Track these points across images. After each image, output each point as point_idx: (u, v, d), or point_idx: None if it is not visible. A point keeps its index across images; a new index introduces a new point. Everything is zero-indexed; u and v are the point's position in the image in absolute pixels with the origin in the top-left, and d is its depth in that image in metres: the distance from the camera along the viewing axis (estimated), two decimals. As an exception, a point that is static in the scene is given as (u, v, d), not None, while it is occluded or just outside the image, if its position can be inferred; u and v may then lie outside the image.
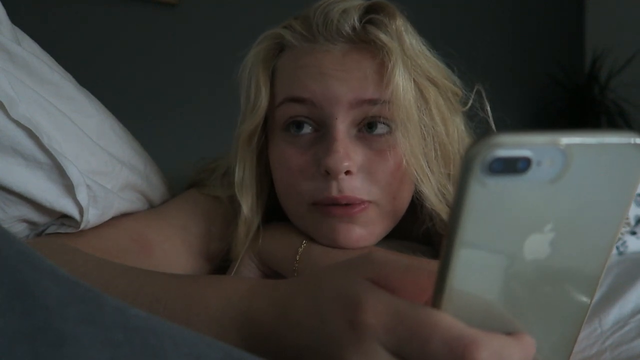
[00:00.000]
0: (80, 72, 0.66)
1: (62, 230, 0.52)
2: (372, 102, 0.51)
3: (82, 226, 0.52)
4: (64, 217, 0.52)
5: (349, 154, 0.51)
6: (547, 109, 2.72)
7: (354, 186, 0.51)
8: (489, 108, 0.58)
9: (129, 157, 0.61)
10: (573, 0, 2.98)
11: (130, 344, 0.22)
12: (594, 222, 0.24)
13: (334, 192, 0.51)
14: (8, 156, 0.46)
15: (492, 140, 0.21)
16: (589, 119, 2.72)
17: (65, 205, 0.50)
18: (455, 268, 0.24)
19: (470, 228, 0.23)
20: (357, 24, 0.53)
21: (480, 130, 0.60)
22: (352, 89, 0.51)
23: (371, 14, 0.53)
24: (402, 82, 0.51)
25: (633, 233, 0.87)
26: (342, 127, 0.51)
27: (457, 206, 0.22)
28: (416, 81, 0.53)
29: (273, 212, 0.61)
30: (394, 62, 0.51)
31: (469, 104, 0.58)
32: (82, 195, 0.50)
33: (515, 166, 0.22)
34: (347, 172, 0.51)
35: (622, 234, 0.86)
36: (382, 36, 0.51)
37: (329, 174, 0.51)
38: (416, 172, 0.53)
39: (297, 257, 0.54)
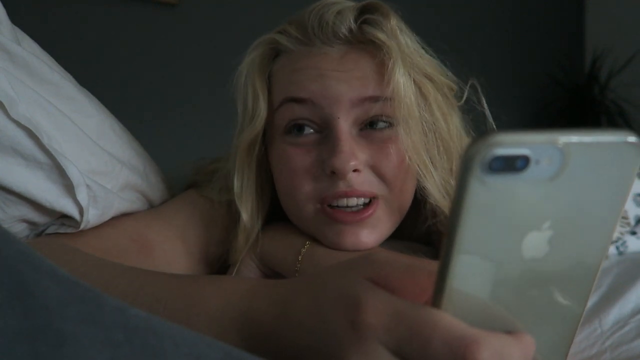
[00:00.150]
0: (80, 72, 0.66)
1: (62, 230, 0.52)
2: (374, 99, 0.51)
3: (82, 226, 0.52)
4: (64, 217, 0.52)
5: (354, 153, 0.50)
6: (547, 109, 2.72)
7: (363, 181, 0.51)
8: (484, 102, 0.58)
9: (129, 157, 0.61)
10: (573, 0, 2.98)
11: (130, 344, 0.22)
12: (591, 220, 0.24)
13: (343, 188, 0.51)
14: (8, 156, 0.46)
15: (492, 139, 0.21)
16: (589, 119, 2.72)
17: (65, 205, 0.50)
18: (455, 267, 0.24)
19: (470, 227, 0.23)
20: (353, 25, 0.53)
21: (477, 125, 0.61)
22: (353, 88, 0.51)
23: (366, 14, 0.53)
24: (402, 79, 0.51)
25: (633, 233, 0.87)
26: (345, 126, 0.51)
27: (457, 205, 0.23)
28: (414, 78, 0.53)
29: (273, 213, 0.61)
30: (394, 61, 0.51)
31: (464, 98, 0.58)
32: (82, 195, 0.50)
33: (514, 164, 0.22)
34: (355, 171, 0.51)
35: (621, 234, 0.86)
36: (381, 35, 0.52)
37: (334, 174, 0.50)
38: (419, 167, 0.53)
39: (300, 258, 0.54)
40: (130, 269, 0.43)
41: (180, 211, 0.62)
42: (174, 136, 1.62)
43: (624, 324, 0.56)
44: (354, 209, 0.52)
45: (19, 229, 0.51)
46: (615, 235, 0.85)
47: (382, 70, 0.52)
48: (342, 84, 0.51)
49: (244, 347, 0.32)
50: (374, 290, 0.27)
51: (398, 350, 0.25)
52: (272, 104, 0.56)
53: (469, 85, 0.58)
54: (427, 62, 0.56)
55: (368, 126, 0.53)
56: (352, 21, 0.53)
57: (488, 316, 0.26)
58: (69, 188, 0.49)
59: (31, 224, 0.52)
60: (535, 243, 0.24)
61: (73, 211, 0.50)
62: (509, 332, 0.26)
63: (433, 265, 0.26)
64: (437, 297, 0.25)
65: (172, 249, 0.58)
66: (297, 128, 0.53)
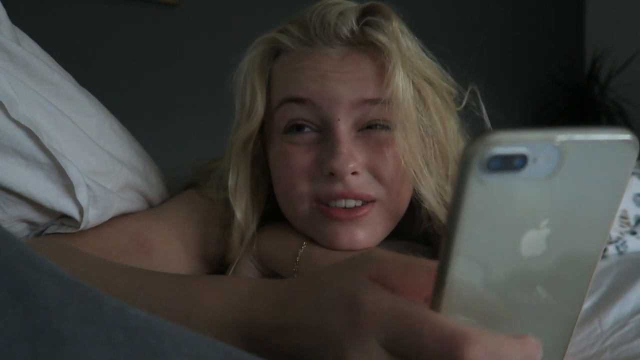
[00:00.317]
0: (80, 72, 0.66)
1: (62, 230, 0.52)
2: (373, 102, 0.51)
3: (82, 226, 0.52)
4: (64, 217, 0.52)
5: (353, 155, 0.51)
6: (547, 109, 2.72)
7: (361, 184, 0.51)
8: (484, 108, 0.58)
9: (129, 157, 0.61)
10: (573, 0, 2.98)
11: (130, 344, 0.22)
12: (588, 218, 0.24)
13: (341, 189, 0.51)
14: (8, 156, 0.46)
15: (490, 138, 0.22)
16: (589, 119, 2.72)
17: (65, 205, 0.50)
18: (455, 267, 0.24)
19: (469, 226, 0.23)
20: (355, 26, 0.53)
21: (475, 130, 0.60)
22: (354, 90, 0.51)
23: (368, 16, 0.53)
24: (401, 83, 0.51)
25: (633, 233, 0.87)
26: (345, 127, 0.51)
27: (455, 204, 0.23)
28: (414, 82, 0.53)
29: (270, 214, 0.61)
30: (394, 64, 0.51)
31: (464, 103, 0.58)
32: (82, 196, 0.50)
33: (512, 163, 0.22)
34: (353, 173, 0.51)
35: (621, 233, 0.86)
36: (382, 38, 0.52)
37: (333, 175, 0.50)
38: (415, 172, 0.53)
39: (297, 258, 0.54)
40: (130, 269, 0.43)
41: (180, 211, 0.62)
42: (174, 136, 1.62)
43: (624, 323, 0.56)
44: (349, 207, 0.52)
45: (19, 229, 0.51)
46: (615, 235, 0.85)
47: (382, 73, 0.52)
48: (343, 85, 0.51)
49: (244, 347, 0.32)
50: (374, 289, 0.27)
51: (394, 349, 0.25)
52: (272, 103, 0.56)
53: (468, 90, 0.58)
54: (428, 66, 0.56)
55: (366, 128, 0.53)
56: (354, 22, 0.53)
57: (490, 317, 0.26)
58: (69, 188, 0.49)
59: (31, 224, 0.52)
60: (533, 241, 0.24)
61: (73, 211, 0.50)
62: (515, 335, 0.25)
63: (432, 264, 0.26)
64: (436, 296, 0.25)
65: (172, 249, 0.58)
66: (296, 128, 0.53)
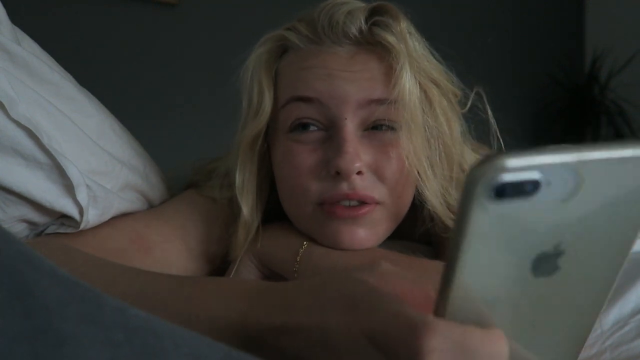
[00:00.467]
0: (80, 72, 0.66)
1: (62, 230, 0.52)
2: (380, 102, 0.51)
3: (82, 226, 0.52)
4: (64, 217, 0.52)
5: (359, 154, 0.50)
6: (547, 109, 2.72)
7: (365, 185, 0.51)
8: (490, 111, 0.58)
9: (129, 157, 0.61)
10: (573, 0, 2.98)
11: (130, 344, 0.22)
12: (606, 237, 0.23)
13: (346, 189, 0.51)
14: (8, 156, 0.46)
15: (497, 164, 0.19)
16: (589, 119, 2.72)
17: (65, 205, 0.50)
18: (457, 289, 0.23)
19: (472, 252, 0.22)
20: (363, 25, 0.53)
21: (479, 134, 0.60)
22: (361, 89, 0.51)
23: (376, 16, 0.53)
24: (408, 83, 0.51)
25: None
26: (351, 127, 0.51)
27: (458, 231, 0.21)
28: (420, 83, 0.53)
29: (271, 213, 0.61)
30: (402, 64, 0.51)
31: (468, 106, 0.58)
32: (82, 196, 0.50)
33: (522, 189, 0.20)
34: (358, 173, 0.51)
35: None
36: (390, 38, 0.52)
37: (339, 175, 0.50)
38: (419, 173, 0.53)
39: (298, 258, 0.54)
40: (130, 270, 0.43)
41: (180, 211, 0.62)
42: (174, 136, 1.62)
43: (624, 324, 0.56)
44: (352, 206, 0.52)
45: (19, 229, 0.51)
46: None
47: (389, 73, 0.52)
48: (351, 85, 0.51)
49: (244, 349, 0.31)
50: (373, 291, 0.27)
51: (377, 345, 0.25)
52: (278, 101, 0.56)
53: (474, 92, 0.58)
54: (434, 67, 0.56)
55: (371, 129, 0.53)
56: (362, 22, 0.53)
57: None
58: (69, 188, 0.49)
59: (31, 224, 0.52)
60: (544, 262, 0.23)
61: (73, 211, 0.50)
62: (483, 328, 0.24)
63: (436, 285, 0.25)
64: (438, 312, 0.25)
65: (172, 249, 0.58)
66: (302, 127, 0.53)
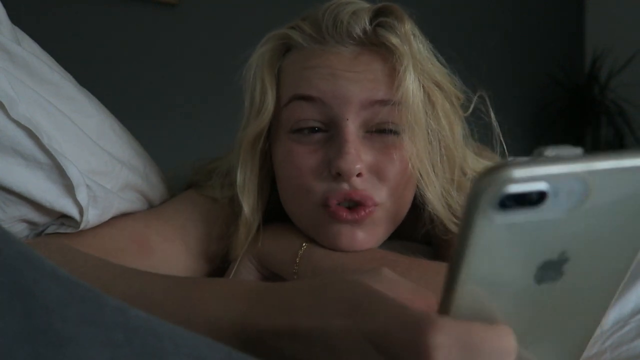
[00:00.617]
0: (80, 72, 0.66)
1: (62, 230, 0.52)
2: (383, 103, 0.51)
3: (82, 226, 0.52)
4: (64, 217, 0.52)
5: (360, 155, 0.50)
6: (547, 109, 2.72)
7: (365, 187, 0.51)
8: (493, 114, 0.57)
9: (129, 157, 0.61)
10: (573, 0, 2.98)
11: (130, 345, 0.22)
12: (611, 244, 0.23)
13: (347, 189, 0.51)
14: (8, 156, 0.46)
15: (504, 176, 0.19)
16: (589, 119, 2.73)
17: (65, 205, 0.50)
18: (459, 298, 0.23)
19: (475, 262, 0.22)
20: (368, 26, 0.53)
21: (481, 137, 0.60)
22: (364, 90, 0.51)
23: (381, 17, 0.53)
24: (411, 85, 0.51)
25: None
26: (353, 128, 0.51)
27: (461, 243, 0.21)
28: (424, 85, 0.53)
29: (272, 213, 0.61)
30: (406, 66, 0.51)
31: (471, 109, 0.58)
32: (82, 196, 0.50)
33: (529, 199, 0.20)
34: (358, 175, 0.51)
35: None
36: (394, 40, 0.51)
37: (340, 175, 0.50)
38: (421, 176, 0.53)
39: (297, 259, 0.54)
40: (130, 270, 0.43)
41: (180, 211, 0.62)
42: (174, 136, 1.62)
43: (624, 324, 0.56)
44: (352, 207, 0.52)
45: (19, 229, 0.51)
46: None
47: (393, 74, 0.52)
48: (354, 85, 0.51)
49: (243, 350, 0.31)
50: (373, 292, 0.27)
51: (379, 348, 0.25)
52: (280, 99, 0.55)
53: (476, 95, 0.58)
54: (438, 70, 0.56)
55: (374, 132, 0.53)
56: (367, 22, 0.52)
57: None
58: (69, 188, 0.49)
59: (31, 224, 0.52)
60: (549, 270, 0.23)
61: (73, 211, 0.50)
62: (490, 324, 0.24)
63: (437, 294, 0.25)
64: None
65: (172, 249, 0.58)
66: (303, 130, 0.53)
